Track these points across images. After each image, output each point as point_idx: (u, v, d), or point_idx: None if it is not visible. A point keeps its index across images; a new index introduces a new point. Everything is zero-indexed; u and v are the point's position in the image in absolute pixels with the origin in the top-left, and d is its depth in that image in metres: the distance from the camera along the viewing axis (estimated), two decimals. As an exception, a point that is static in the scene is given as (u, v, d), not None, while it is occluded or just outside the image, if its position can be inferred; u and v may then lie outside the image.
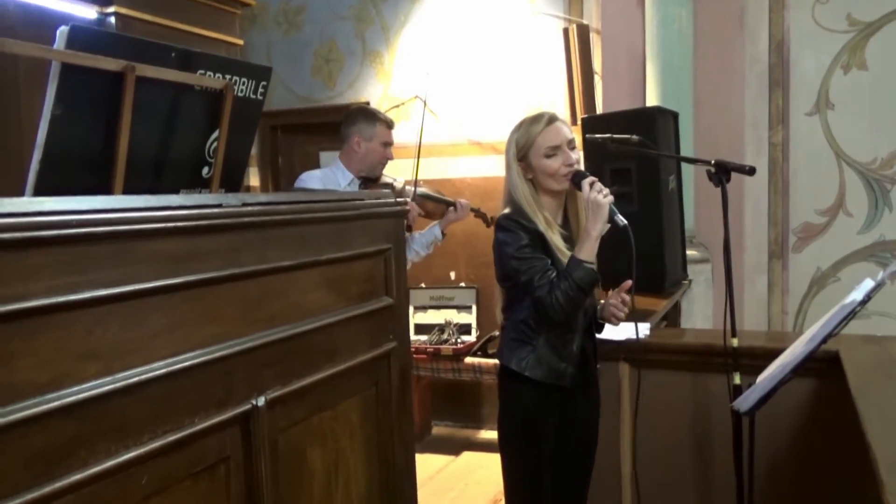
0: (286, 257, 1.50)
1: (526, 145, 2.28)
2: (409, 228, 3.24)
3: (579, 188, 2.23)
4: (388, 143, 3.25)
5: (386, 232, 1.85)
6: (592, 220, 2.16)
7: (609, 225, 2.21)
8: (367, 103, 5.29)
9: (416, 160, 3.31)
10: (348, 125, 3.24)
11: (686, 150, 3.87)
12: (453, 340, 4.77)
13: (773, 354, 2.16)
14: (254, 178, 5.77)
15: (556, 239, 2.26)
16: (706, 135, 4.12)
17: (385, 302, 1.84)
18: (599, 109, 4.45)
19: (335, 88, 5.53)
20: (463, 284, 5.04)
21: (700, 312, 4.00)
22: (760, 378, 1.93)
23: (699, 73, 4.15)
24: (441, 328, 4.89)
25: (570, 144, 2.30)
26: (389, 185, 3.26)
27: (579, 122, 4.26)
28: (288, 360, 1.49)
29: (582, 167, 2.31)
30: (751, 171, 2.25)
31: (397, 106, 5.25)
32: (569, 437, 2.38)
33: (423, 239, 3.45)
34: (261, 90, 1.77)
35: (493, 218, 2.65)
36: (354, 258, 1.73)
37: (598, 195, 2.16)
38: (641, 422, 2.72)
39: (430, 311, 5.03)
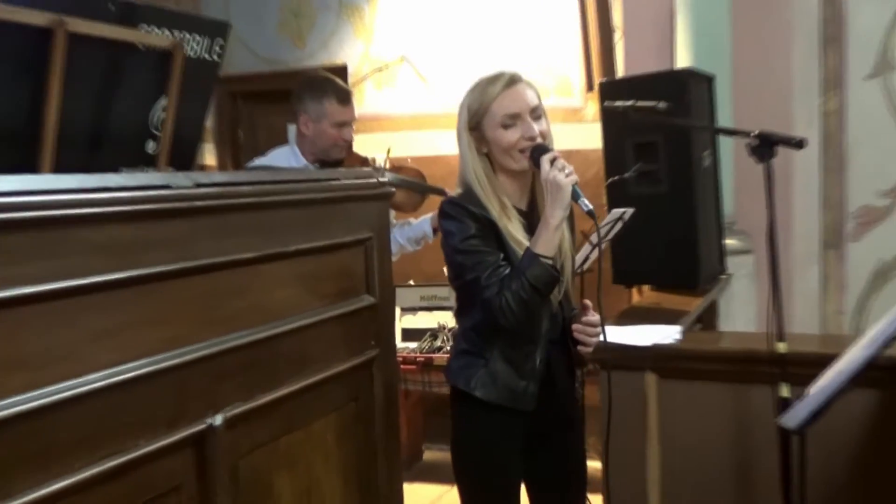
0: (248, 248, 1.50)
1: (479, 111, 2.22)
2: None
3: (538, 166, 2.16)
4: (342, 123, 3.16)
5: (367, 218, 1.86)
6: (551, 204, 2.11)
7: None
8: (345, 67, 5.30)
9: (386, 152, 3.27)
10: (295, 101, 3.18)
11: (724, 119, 3.90)
12: (448, 348, 4.76)
13: (827, 361, 2.16)
14: (209, 156, 5.76)
15: (512, 228, 2.20)
16: (747, 102, 4.12)
17: (366, 301, 1.84)
18: (620, 72, 4.47)
19: (305, 48, 5.53)
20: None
21: (741, 313, 4.02)
22: (812, 389, 1.94)
23: (739, 29, 4.15)
24: (434, 333, 4.87)
25: (535, 113, 2.23)
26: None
27: (596, 88, 4.27)
28: (250, 371, 1.49)
29: (552, 142, 2.26)
30: (800, 145, 2.26)
31: (380, 69, 5.25)
32: (543, 468, 2.36)
33: (410, 232, 3.42)
34: (216, 50, 1.76)
35: None
36: (329, 249, 1.73)
37: (559, 173, 2.10)
38: (671, 443, 2.74)
39: (421, 314, 5.01)
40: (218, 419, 1.39)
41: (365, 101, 5.28)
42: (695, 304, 3.40)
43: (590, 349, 2.28)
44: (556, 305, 2.29)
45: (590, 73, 4.65)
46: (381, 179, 1.91)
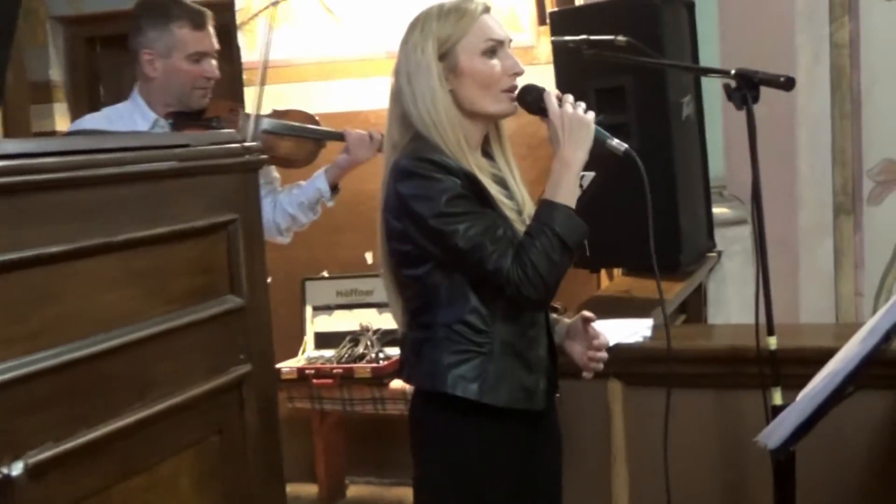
0: (57, 239, 1.42)
1: (453, 37, 2.30)
2: None
3: (537, 109, 2.29)
4: (200, 55, 3.04)
5: (229, 195, 1.78)
6: (571, 143, 2.23)
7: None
8: (231, 1, 5.21)
9: (260, 76, 3.11)
10: (132, 35, 3.05)
11: (708, 55, 3.91)
12: (373, 356, 4.76)
13: (830, 358, 2.17)
14: (62, 119, 5.67)
15: (492, 187, 2.28)
16: (738, 33, 4.17)
17: (231, 303, 1.78)
18: (580, 0, 4.45)
19: (182, -22, 5.42)
20: (381, 266, 5.02)
21: (736, 298, 4.05)
22: (799, 397, 1.94)
23: (725, -59, 4.16)
24: (354, 337, 4.87)
25: (509, 48, 2.37)
26: (213, 120, 3.07)
27: (549, 20, 4.24)
28: (66, 401, 1.42)
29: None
30: (787, 84, 2.28)
31: (276, 3, 5.17)
32: (528, 493, 2.39)
33: (301, 195, 3.28)
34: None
35: None
36: (175, 238, 1.66)
37: (577, 109, 2.24)
38: (642, 465, 2.74)
39: (338, 313, 5.01)
40: (17, 467, 1.32)
41: (258, 45, 5.18)
42: (675, 290, 3.40)
43: (589, 376, 2.42)
44: None
45: (541, 2, 4.64)
46: (248, 143, 1.84)
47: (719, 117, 4.04)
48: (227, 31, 5.17)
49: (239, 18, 5.17)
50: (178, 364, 1.66)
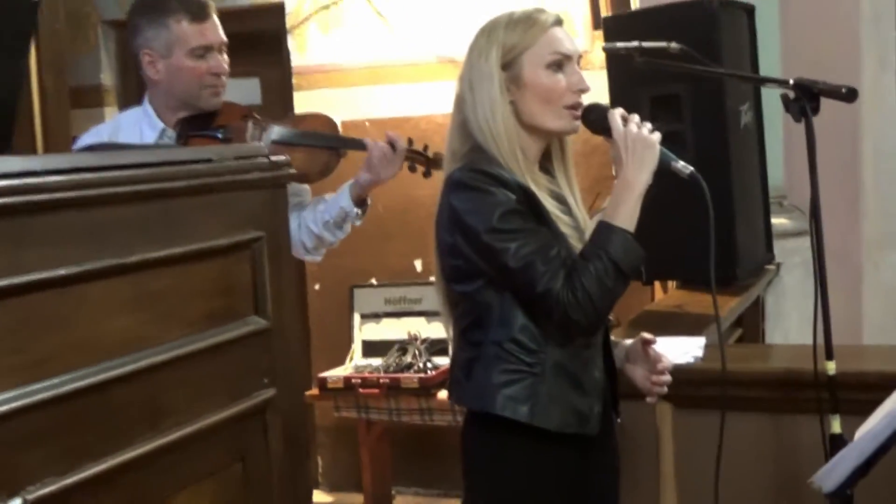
0: (66, 261, 1.37)
1: (519, 47, 2.27)
2: None
3: (601, 129, 2.25)
4: (204, 49, 2.78)
5: (254, 212, 1.73)
6: (636, 165, 2.18)
7: None
8: (282, 5, 5.25)
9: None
10: (130, 36, 2.86)
11: (769, 63, 3.83)
12: (421, 365, 4.73)
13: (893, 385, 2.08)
14: (116, 126, 5.70)
15: (542, 198, 2.24)
16: (800, 38, 4.09)
17: (254, 325, 1.72)
18: (636, 4, 4.41)
19: (230, -18, 5.44)
20: (434, 279, 4.98)
21: (795, 313, 4.00)
22: (859, 434, 1.84)
23: (788, -58, 4.10)
24: (402, 346, 4.84)
25: (579, 64, 2.33)
26: (220, 130, 2.81)
27: (603, 26, 4.17)
28: (71, 433, 1.37)
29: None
30: (849, 96, 2.19)
31: (327, 6, 5.16)
32: None
33: (325, 213, 3.00)
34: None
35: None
36: (195, 258, 1.60)
37: (642, 129, 2.19)
38: (692, 491, 2.68)
39: (386, 321, 5.00)
40: (17, 504, 1.27)
41: (308, 50, 5.22)
42: (730, 305, 3.32)
43: (654, 400, 2.39)
44: None
45: (596, 6, 4.61)
46: (276, 158, 1.78)
47: (780, 124, 3.96)
48: (278, 36, 5.20)
49: (289, 22, 5.17)
50: (195, 390, 1.60)
